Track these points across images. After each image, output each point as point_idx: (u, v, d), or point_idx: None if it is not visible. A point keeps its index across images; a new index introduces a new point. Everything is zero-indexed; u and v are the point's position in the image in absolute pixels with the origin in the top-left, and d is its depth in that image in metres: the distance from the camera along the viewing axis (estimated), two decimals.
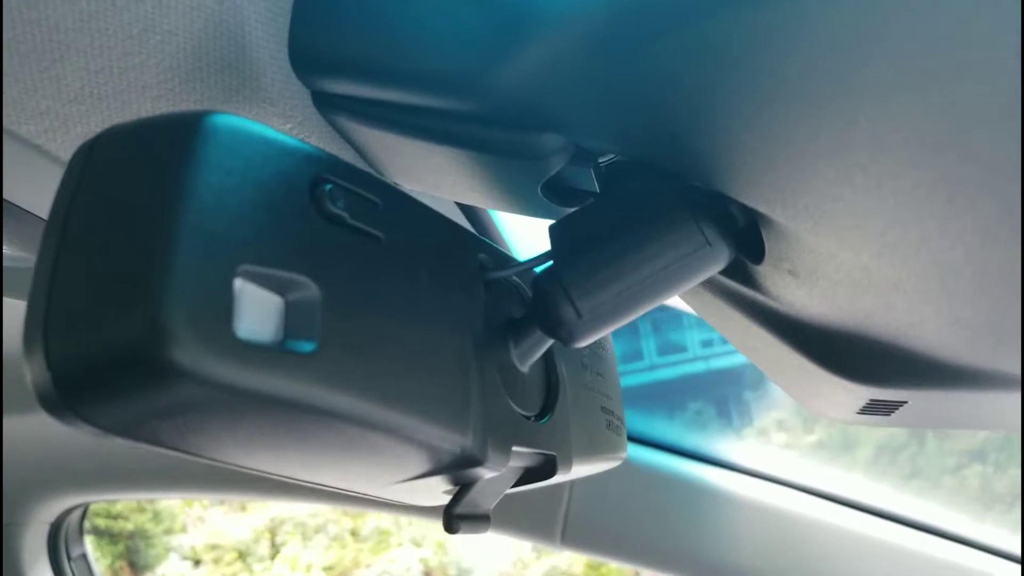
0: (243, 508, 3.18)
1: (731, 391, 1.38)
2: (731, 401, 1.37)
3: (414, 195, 0.32)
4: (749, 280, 0.37)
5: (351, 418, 0.25)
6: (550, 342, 0.36)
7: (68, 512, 1.26)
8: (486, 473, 0.31)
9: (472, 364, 0.31)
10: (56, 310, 0.22)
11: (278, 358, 0.23)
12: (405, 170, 0.40)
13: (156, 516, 3.16)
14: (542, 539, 1.02)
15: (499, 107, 0.32)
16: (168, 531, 3.23)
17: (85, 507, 1.30)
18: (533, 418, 0.36)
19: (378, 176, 0.30)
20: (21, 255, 0.49)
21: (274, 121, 0.36)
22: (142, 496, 1.83)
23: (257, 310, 0.24)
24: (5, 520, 1.21)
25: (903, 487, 1.10)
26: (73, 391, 0.22)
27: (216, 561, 3.20)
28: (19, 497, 1.19)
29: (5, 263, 0.54)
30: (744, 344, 0.46)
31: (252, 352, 0.22)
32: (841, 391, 0.41)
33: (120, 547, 3.08)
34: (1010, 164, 0.22)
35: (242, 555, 3.21)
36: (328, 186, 0.26)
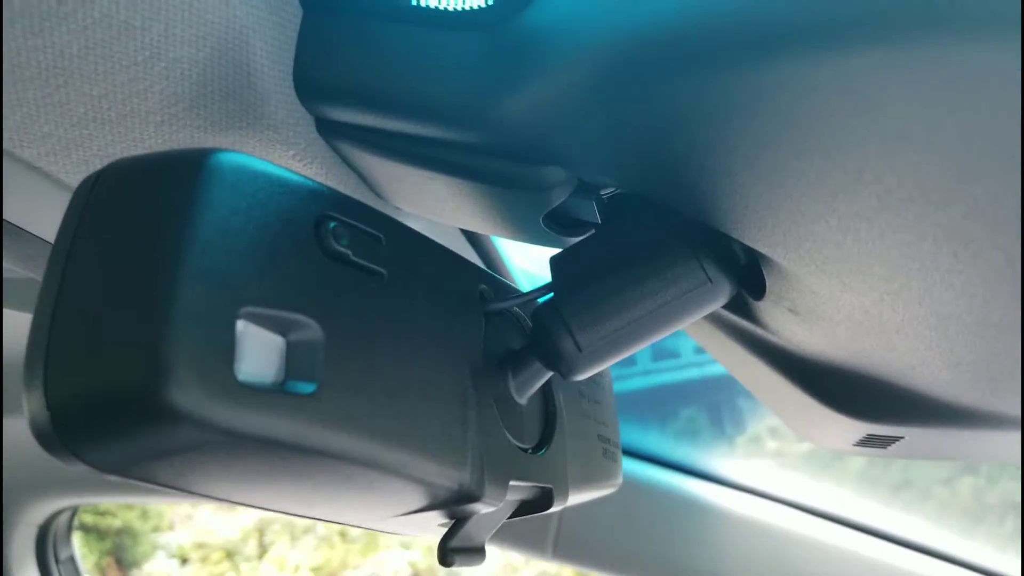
0: (231, 508, 3.17)
1: (724, 398, 1.38)
2: (724, 408, 1.37)
3: (417, 221, 0.32)
4: (749, 314, 0.37)
5: (350, 458, 0.25)
6: (549, 374, 0.36)
7: (56, 514, 1.25)
8: (482, 508, 0.31)
9: (471, 397, 0.31)
10: (56, 347, 0.22)
11: (279, 400, 0.23)
12: (407, 197, 0.40)
13: (144, 514, 3.14)
14: (534, 552, 1.02)
15: (503, 139, 0.32)
16: (156, 529, 3.21)
17: (74, 509, 1.30)
18: (530, 450, 0.35)
19: (381, 211, 0.29)
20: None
21: (277, 147, 0.35)
22: (131, 500, 1.82)
23: (258, 351, 0.23)
24: None
25: (894, 497, 1.10)
26: (71, 430, 0.22)
27: (203, 560, 3.18)
28: (8, 499, 1.19)
29: (5, 275, 0.54)
30: (743, 374, 0.47)
31: (253, 395, 0.22)
32: (838, 425, 0.41)
33: (107, 544, 3.07)
34: (1013, 220, 0.22)
35: (230, 554, 3.20)
36: (332, 224, 0.26)
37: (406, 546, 3.02)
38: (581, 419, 0.41)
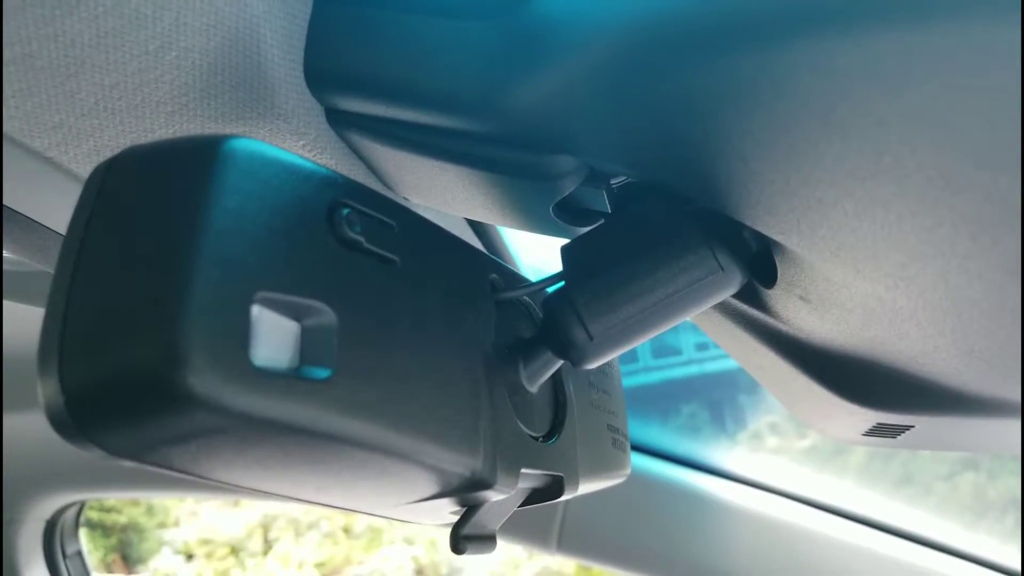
0: (236, 504, 3.18)
1: (725, 394, 1.38)
2: (725, 405, 1.37)
3: (425, 212, 0.32)
4: (759, 303, 0.37)
5: (363, 443, 0.25)
6: (560, 363, 0.36)
7: (64, 509, 1.25)
8: (494, 495, 0.31)
9: (482, 385, 0.31)
10: (72, 333, 0.22)
11: (293, 385, 0.23)
12: (417, 187, 0.40)
13: (149, 510, 3.15)
14: (538, 545, 1.02)
15: (513, 128, 0.32)
16: (161, 525, 3.22)
17: (81, 505, 1.30)
18: (541, 439, 0.35)
19: (393, 199, 0.29)
20: (21, 259, 0.49)
21: (288, 137, 0.35)
22: (138, 495, 1.82)
23: (273, 336, 0.23)
24: (3, 517, 1.20)
25: (895, 492, 1.10)
26: (86, 415, 0.22)
27: (208, 556, 3.19)
28: (15, 494, 1.19)
29: (5, 267, 0.54)
30: (751, 364, 0.46)
31: (268, 380, 0.22)
32: (848, 414, 0.41)
33: (113, 540, 3.08)
34: None
35: (235, 550, 3.21)
36: (346, 211, 0.26)
37: (409, 541, 3.02)
38: (591, 408, 0.41)
